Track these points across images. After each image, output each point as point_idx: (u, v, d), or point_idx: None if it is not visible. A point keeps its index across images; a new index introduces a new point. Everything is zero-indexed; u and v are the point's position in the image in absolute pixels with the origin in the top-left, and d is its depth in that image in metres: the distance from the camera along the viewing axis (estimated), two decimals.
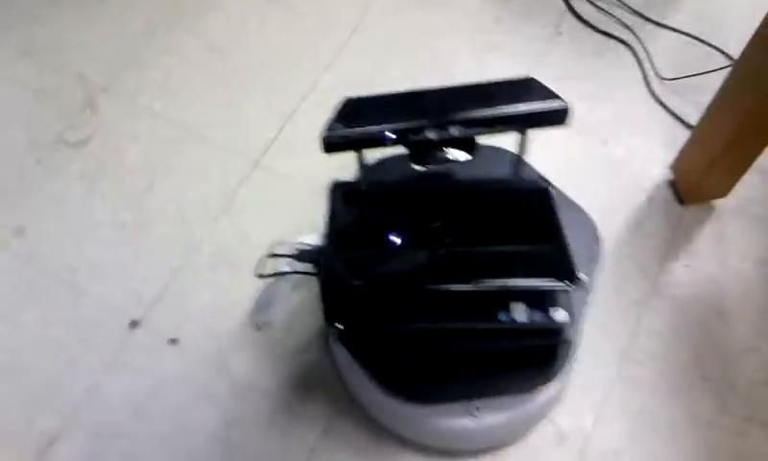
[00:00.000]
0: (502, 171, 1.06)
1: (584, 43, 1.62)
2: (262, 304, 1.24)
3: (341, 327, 0.99)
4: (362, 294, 0.97)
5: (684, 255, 1.35)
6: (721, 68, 1.49)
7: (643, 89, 1.56)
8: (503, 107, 0.96)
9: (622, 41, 1.62)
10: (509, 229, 0.99)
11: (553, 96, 0.96)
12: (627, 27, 1.63)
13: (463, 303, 0.95)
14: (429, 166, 0.99)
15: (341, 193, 1.03)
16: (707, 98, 1.27)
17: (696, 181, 1.35)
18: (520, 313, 0.93)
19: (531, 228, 0.99)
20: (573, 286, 0.92)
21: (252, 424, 1.17)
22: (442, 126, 0.94)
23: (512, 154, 1.04)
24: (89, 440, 1.16)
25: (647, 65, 1.58)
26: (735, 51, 1.26)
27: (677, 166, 1.41)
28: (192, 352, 1.24)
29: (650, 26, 1.65)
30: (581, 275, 0.94)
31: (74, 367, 1.22)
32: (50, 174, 1.43)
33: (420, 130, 0.94)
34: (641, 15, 1.65)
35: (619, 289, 1.30)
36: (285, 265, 1.14)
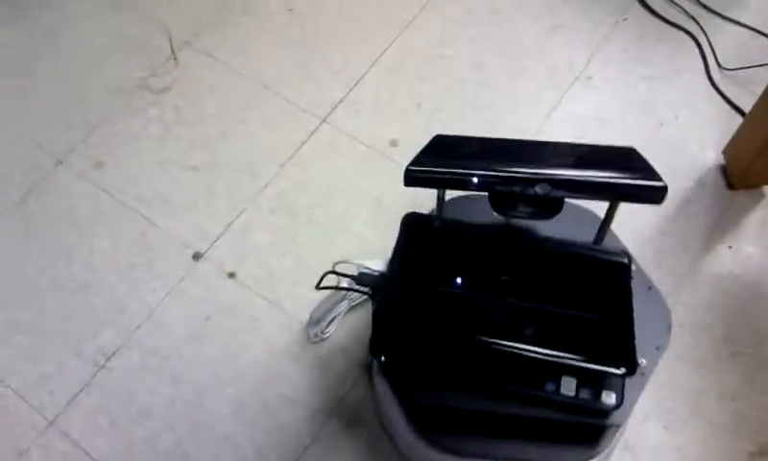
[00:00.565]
0: (585, 236, 1.01)
1: (648, 30, 1.65)
2: (317, 318, 1.25)
3: (383, 359, 0.96)
4: (411, 330, 0.94)
5: (729, 238, 1.38)
6: None
7: (703, 78, 1.59)
8: (598, 174, 0.92)
9: (686, 31, 1.65)
10: (577, 297, 0.93)
11: (651, 173, 0.90)
12: (692, 17, 1.66)
13: (512, 364, 0.90)
14: (509, 217, 0.97)
15: (413, 226, 1.00)
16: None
17: (745, 166, 1.38)
18: (569, 388, 0.89)
19: (601, 301, 0.93)
20: (629, 374, 0.87)
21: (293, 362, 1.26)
22: (530, 181, 0.90)
23: (598, 219, 1.00)
24: (144, 357, 1.26)
25: (709, 55, 1.61)
26: None
27: (728, 151, 1.44)
28: (247, 287, 1.33)
29: (715, 18, 1.67)
30: (641, 360, 0.90)
31: (137, 290, 1.33)
32: (132, 116, 1.54)
33: (506, 180, 0.91)
34: (707, 7, 1.67)
35: (660, 262, 1.34)
36: (345, 283, 1.12)
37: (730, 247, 1.37)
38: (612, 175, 0.91)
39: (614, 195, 0.93)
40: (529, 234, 1.00)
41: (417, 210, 1.02)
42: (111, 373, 1.24)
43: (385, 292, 0.96)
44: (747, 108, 1.47)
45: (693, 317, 1.29)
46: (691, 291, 1.31)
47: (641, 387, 0.94)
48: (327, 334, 1.25)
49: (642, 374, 0.93)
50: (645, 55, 1.62)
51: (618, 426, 0.94)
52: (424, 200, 1.05)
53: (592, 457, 0.94)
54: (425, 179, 0.93)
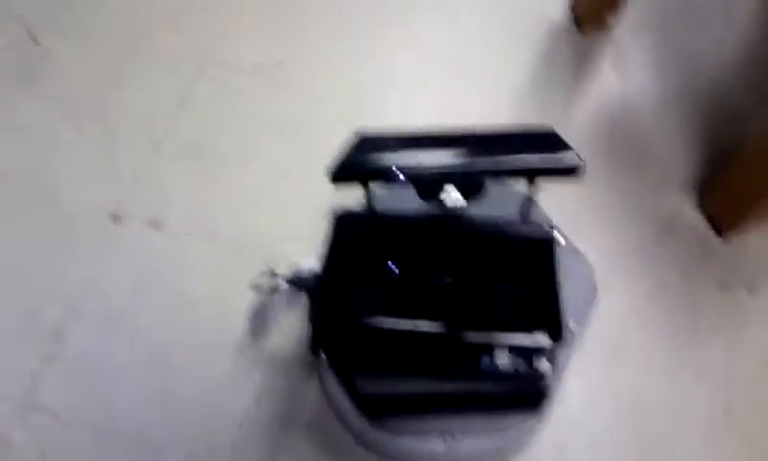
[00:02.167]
0: (510, 211, 1.04)
1: None
2: (256, 318, 1.21)
3: (323, 355, 0.99)
4: (347, 324, 0.95)
5: (590, 73, 1.47)
6: None
7: None
8: (516, 157, 0.94)
9: None
10: (506, 273, 0.96)
11: (569, 150, 0.93)
12: None
13: (447, 345, 0.92)
14: (435, 202, 0.99)
15: (343, 220, 1.01)
16: None
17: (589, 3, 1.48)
18: (503, 359, 0.91)
19: (528, 274, 0.96)
20: (556, 342, 0.90)
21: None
22: (451, 166, 0.94)
23: (522, 194, 1.02)
24: (95, 327, 1.19)
25: None
26: None
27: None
28: (177, 233, 1.27)
29: None
30: (570, 322, 0.93)
31: (68, 263, 1.25)
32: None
33: (430, 170, 0.94)
34: None
35: (541, 112, 1.41)
36: (281, 271, 1.11)
37: (593, 79, 1.46)
38: (531, 156, 0.94)
39: (534, 174, 0.95)
40: (456, 216, 1.01)
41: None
42: (66, 347, 1.18)
43: (319, 289, 0.97)
44: None
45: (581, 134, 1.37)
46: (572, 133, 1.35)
47: (573, 347, 0.98)
48: (267, 330, 1.20)
49: (573, 334, 0.96)
50: None
51: (555, 387, 0.97)
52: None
53: (534, 418, 1.00)
54: (350, 175, 0.95)
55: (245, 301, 1.18)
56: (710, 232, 1.29)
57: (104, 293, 1.21)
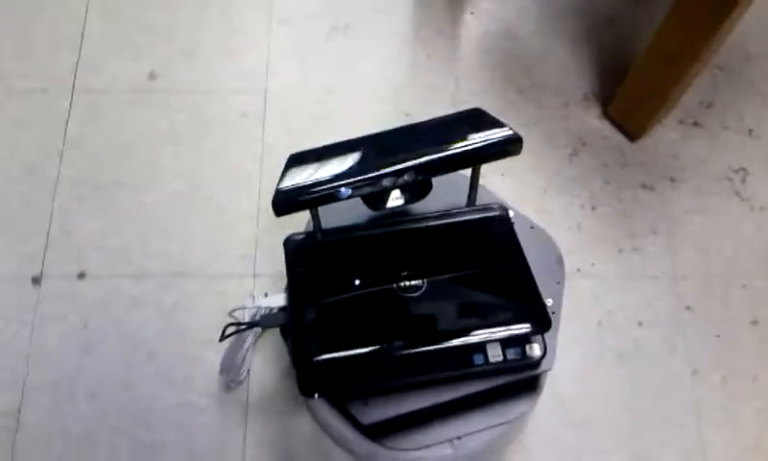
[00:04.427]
0: (459, 199, 1.01)
1: None
2: (228, 364, 1.13)
3: (317, 396, 0.95)
4: (334, 359, 0.91)
5: (467, 5, 1.45)
6: None
7: None
8: (454, 146, 0.91)
9: None
10: (474, 266, 0.96)
11: (501, 126, 0.92)
12: None
13: (438, 355, 0.90)
14: (384, 210, 0.99)
15: (296, 249, 0.98)
16: None
17: None
18: (496, 354, 0.91)
19: (495, 262, 0.96)
20: (545, 330, 0.90)
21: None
22: (395, 174, 0.89)
23: (466, 179, 1.00)
24: (51, 396, 1.13)
25: None
26: None
27: None
28: (104, 278, 1.21)
29: None
30: (547, 300, 0.93)
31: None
32: None
33: (373, 180, 0.89)
34: None
35: (427, 61, 1.40)
36: (246, 317, 1.05)
37: (471, 13, 1.44)
38: (469, 142, 0.92)
39: (476, 161, 0.95)
40: (408, 216, 1.01)
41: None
42: (24, 429, 1.11)
43: (295, 330, 0.93)
44: None
45: (480, 81, 1.38)
46: (467, 66, 1.39)
47: (557, 325, 0.97)
48: (243, 375, 1.14)
49: (553, 312, 0.95)
50: None
51: (549, 370, 0.96)
52: None
53: (532, 403, 0.98)
54: (294, 205, 0.90)
55: (208, 349, 1.14)
56: (622, 138, 1.32)
57: (48, 359, 1.15)
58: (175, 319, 1.17)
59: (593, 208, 1.26)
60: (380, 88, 1.37)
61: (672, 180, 1.29)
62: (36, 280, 1.19)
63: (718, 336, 1.19)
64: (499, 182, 1.23)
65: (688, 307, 1.20)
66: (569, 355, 1.14)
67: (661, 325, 1.19)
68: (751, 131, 1.33)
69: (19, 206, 1.24)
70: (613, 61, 1.38)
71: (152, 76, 1.36)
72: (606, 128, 1.32)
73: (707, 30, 1.09)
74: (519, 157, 0.91)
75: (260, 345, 1.16)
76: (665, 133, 1.33)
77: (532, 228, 1.03)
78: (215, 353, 1.11)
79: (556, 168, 1.29)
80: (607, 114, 1.33)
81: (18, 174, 1.27)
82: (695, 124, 1.33)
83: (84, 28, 1.39)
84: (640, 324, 1.19)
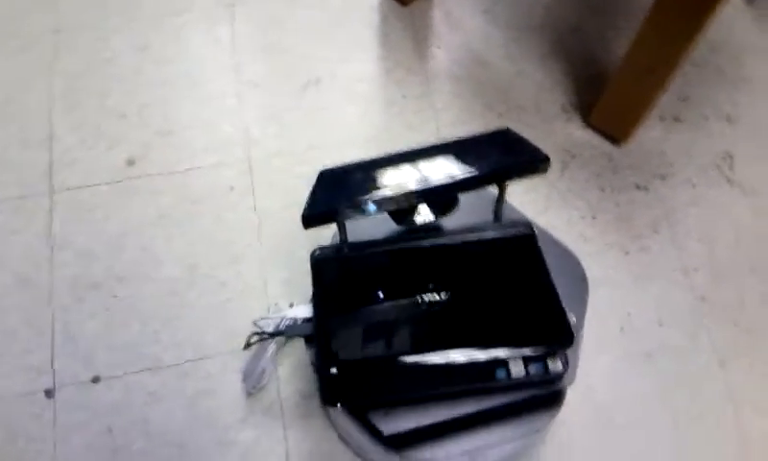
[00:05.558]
0: (483, 214, 1.02)
1: None
2: (251, 371, 1.13)
3: (339, 406, 0.97)
4: (357, 369, 0.92)
5: (432, 40, 1.47)
6: None
7: None
8: (481, 165, 0.94)
9: None
10: (499, 282, 0.96)
11: (530, 147, 0.95)
12: None
13: (462, 367, 0.91)
14: (411, 224, 1.01)
15: (323, 261, 0.98)
16: None
17: None
18: (518, 369, 0.91)
19: (520, 279, 0.96)
20: (568, 346, 0.90)
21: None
22: (423, 192, 0.92)
23: (491, 194, 1.01)
24: None
25: None
26: None
27: None
28: (119, 378, 1.15)
29: None
30: (571, 317, 0.92)
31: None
32: None
33: (401, 197, 0.92)
34: None
35: (400, 88, 1.41)
36: (270, 327, 1.04)
37: (438, 47, 1.47)
38: (499, 160, 0.96)
39: (503, 179, 0.96)
40: (434, 232, 1.01)
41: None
42: None
43: (319, 340, 0.94)
44: None
45: (457, 98, 1.40)
46: (442, 95, 1.41)
47: (579, 342, 0.97)
48: (265, 381, 1.13)
49: (577, 329, 0.95)
50: None
51: (570, 382, 0.96)
52: None
53: (553, 416, 0.99)
54: (322, 217, 0.94)
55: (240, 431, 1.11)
56: (608, 145, 1.33)
57: None
58: (199, 405, 1.13)
59: (594, 217, 1.27)
60: (361, 135, 1.36)
61: (663, 177, 1.31)
62: (49, 393, 1.13)
63: (736, 324, 1.20)
64: None
65: (703, 298, 1.21)
66: (599, 365, 1.15)
67: (681, 320, 1.20)
68: (729, 116, 1.37)
69: (18, 318, 1.18)
70: (584, 71, 1.40)
71: (129, 162, 1.32)
72: (591, 137, 1.34)
73: (683, 39, 1.11)
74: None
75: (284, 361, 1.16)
76: (649, 133, 1.34)
77: (555, 243, 1.04)
78: (252, 429, 1.10)
79: (550, 184, 1.30)
80: (589, 123, 1.34)
81: (11, 286, 1.21)
82: (675, 119, 1.36)
83: (50, 128, 1.35)
84: (661, 324, 1.19)
